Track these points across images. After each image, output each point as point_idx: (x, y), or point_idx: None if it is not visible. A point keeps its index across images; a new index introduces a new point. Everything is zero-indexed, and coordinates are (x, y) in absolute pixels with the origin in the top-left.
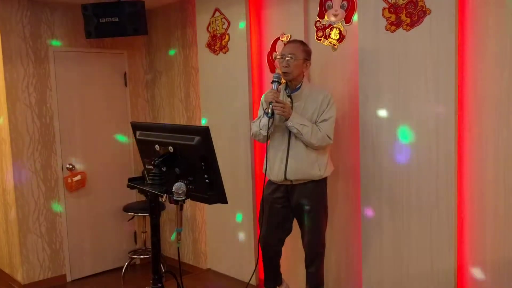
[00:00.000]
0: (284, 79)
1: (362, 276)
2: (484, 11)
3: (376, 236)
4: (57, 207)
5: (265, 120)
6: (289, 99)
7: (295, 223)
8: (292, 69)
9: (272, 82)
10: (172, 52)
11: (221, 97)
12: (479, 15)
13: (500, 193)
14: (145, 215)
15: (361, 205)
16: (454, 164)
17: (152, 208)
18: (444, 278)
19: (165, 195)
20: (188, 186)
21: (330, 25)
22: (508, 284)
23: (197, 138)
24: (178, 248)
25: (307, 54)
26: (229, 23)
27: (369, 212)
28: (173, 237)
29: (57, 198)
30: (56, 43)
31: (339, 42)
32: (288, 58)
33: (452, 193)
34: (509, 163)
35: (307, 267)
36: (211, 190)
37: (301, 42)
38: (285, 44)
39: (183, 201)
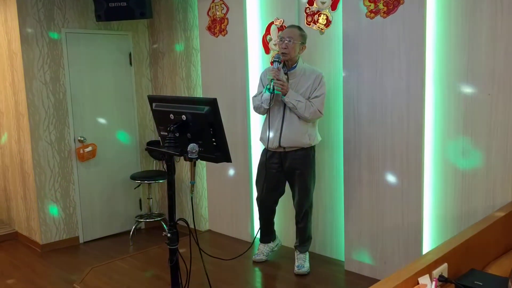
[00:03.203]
0: (282, 59)
1: (344, 230)
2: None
3: (356, 196)
4: (70, 176)
5: (266, 95)
6: (286, 76)
7: (287, 186)
8: (290, 51)
9: (273, 61)
10: (179, 48)
11: (220, 75)
12: (444, 4)
13: (458, 154)
14: (150, 183)
15: (344, 169)
16: (421, 133)
17: (168, 166)
18: (413, 230)
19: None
20: (199, 148)
21: (318, 11)
22: None
23: (206, 108)
24: (192, 197)
25: (303, 38)
26: (228, 8)
27: (351, 175)
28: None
29: (70, 167)
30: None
31: (326, 27)
32: (287, 41)
33: (420, 158)
34: (467, 130)
35: (297, 223)
36: (218, 151)
37: (299, 27)
38: (283, 28)
39: (196, 159)
